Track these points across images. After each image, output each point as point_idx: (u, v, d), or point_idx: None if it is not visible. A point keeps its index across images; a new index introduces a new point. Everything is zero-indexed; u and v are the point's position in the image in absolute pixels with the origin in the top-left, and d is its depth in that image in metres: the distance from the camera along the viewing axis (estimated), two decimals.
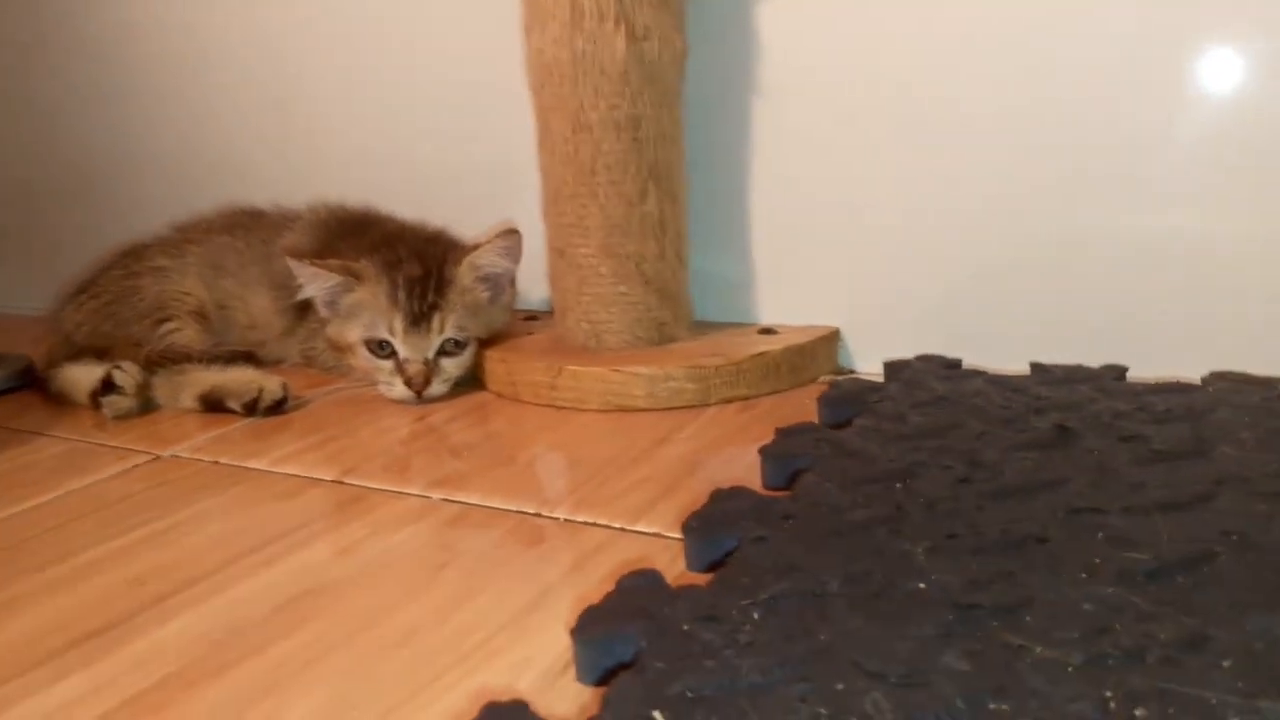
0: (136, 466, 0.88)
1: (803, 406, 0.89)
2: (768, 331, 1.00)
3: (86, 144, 1.45)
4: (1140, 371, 0.84)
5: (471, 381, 1.03)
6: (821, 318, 1.01)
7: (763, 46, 0.97)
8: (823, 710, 0.42)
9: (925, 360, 0.89)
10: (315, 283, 0.99)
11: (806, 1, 0.94)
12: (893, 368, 0.90)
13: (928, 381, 0.83)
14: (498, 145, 1.14)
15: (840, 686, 0.43)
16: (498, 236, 1.00)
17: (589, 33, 0.89)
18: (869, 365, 0.99)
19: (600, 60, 0.89)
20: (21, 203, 1.50)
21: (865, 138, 0.95)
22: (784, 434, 0.75)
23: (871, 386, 0.84)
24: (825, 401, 0.82)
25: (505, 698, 0.47)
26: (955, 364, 0.89)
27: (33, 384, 1.14)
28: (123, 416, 1.00)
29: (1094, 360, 0.86)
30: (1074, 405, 0.75)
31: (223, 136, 1.34)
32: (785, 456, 0.70)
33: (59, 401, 1.07)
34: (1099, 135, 0.86)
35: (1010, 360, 0.89)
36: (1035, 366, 0.86)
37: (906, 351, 0.93)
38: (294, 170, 1.29)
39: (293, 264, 0.98)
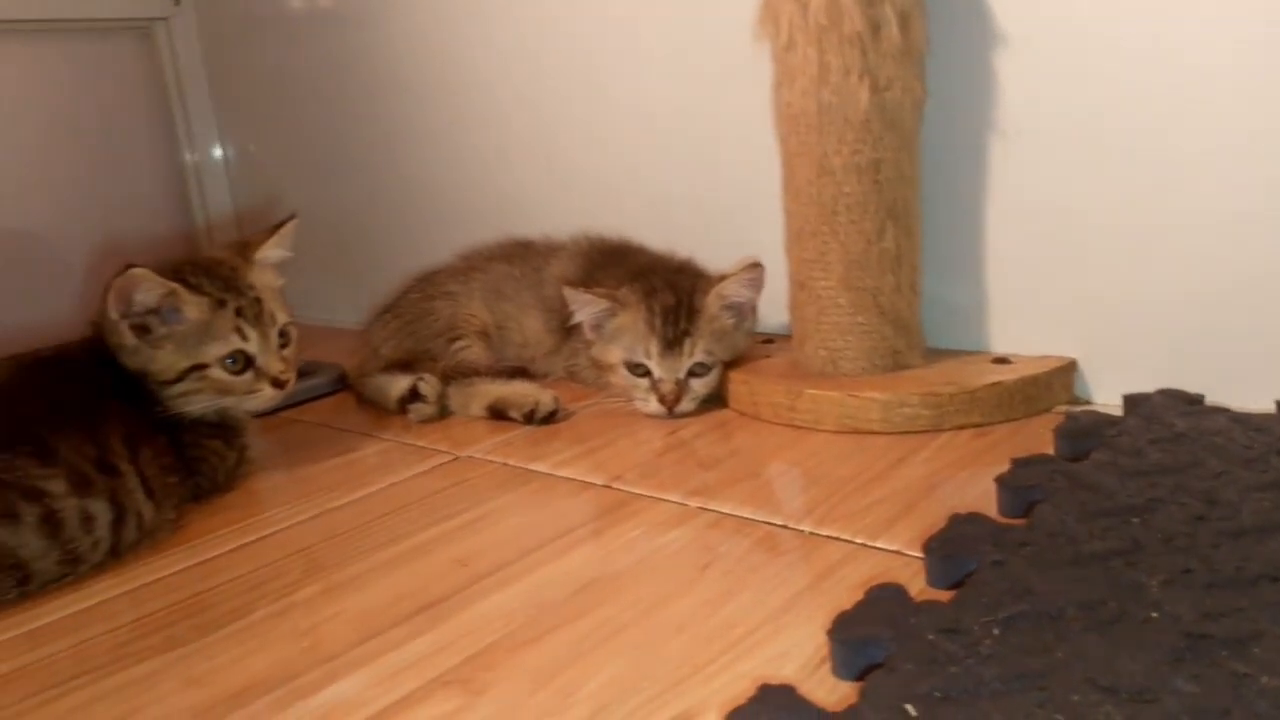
0: (441, 465, 1.04)
1: (1037, 436, 0.93)
2: (1001, 361, 1.04)
3: (391, 178, 1.68)
4: None
5: (716, 400, 1.14)
6: (1057, 348, 1.04)
7: (999, 88, 1.01)
8: (1059, 717, 0.48)
9: (1166, 395, 0.91)
10: (586, 309, 1.12)
11: (1038, 45, 0.98)
12: (1132, 401, 0.92)
13: (1167, 417, 0.85)
14: (740, 184, 1.24)
15: (1075, 698, 0.50)
16: (743, 270, 1.10)
17: (834, 86, 0.97)
18: (1106, 396, 1.01)
19: (844, 110, 0.97)
20: (339, 227, 1.75)
21: (1102, 168, 0.97)
22: (1020, 465, 0.80)
23: (1109, 420, 0.87)
24: (1062, 434, 0.86)
25: (775, 681, 0.56)
26: (1197, 400, 0.90)
27: (344, 388, 1.35)
28: (425, 421, 1.18)
29: None
30: None
31: (501, 173, 1.52)
32: (1022, 487, 0.75)
33: (369, 406, 1.26)
34: None
35: (1257, 397, 0.89)
36: None
37: (1145, 384, 0.95)
38: (557, 203, 1.45)
39: (568, 292, 1.12)
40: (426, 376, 1.19)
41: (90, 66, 1.80)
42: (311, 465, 1.08)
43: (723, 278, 1.12)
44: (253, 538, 0.90)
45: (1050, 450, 0.86)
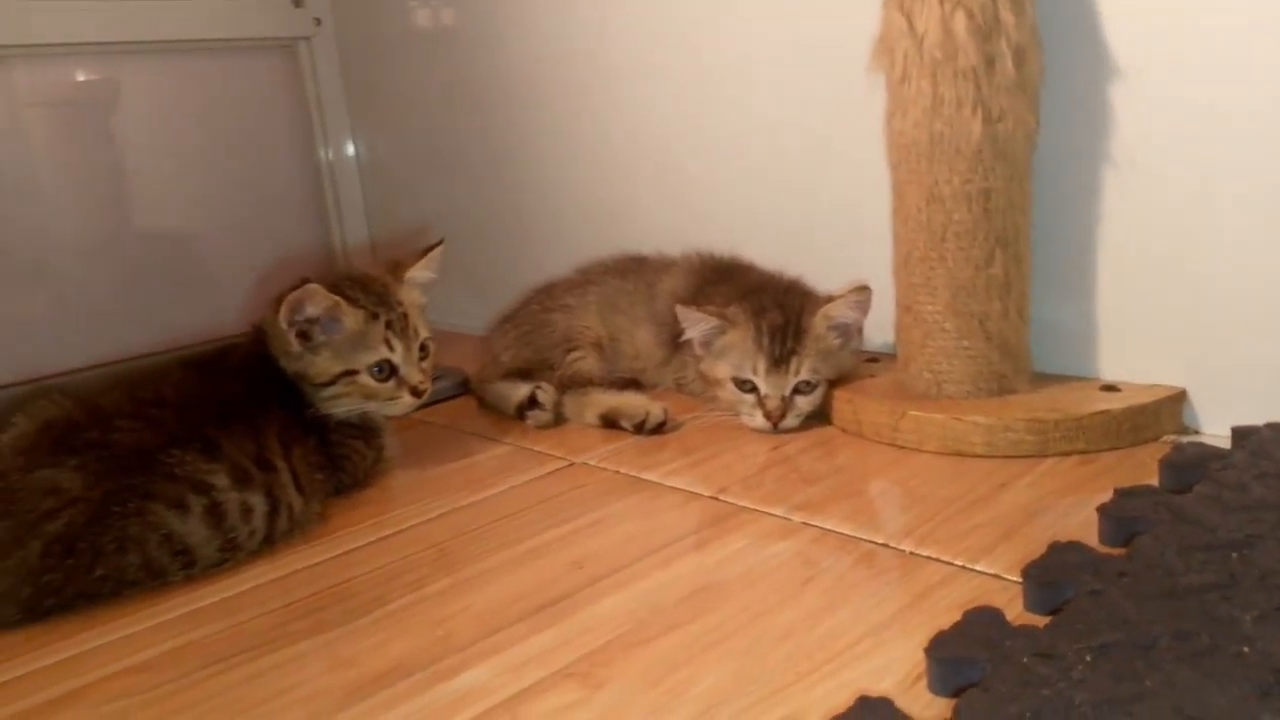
0: (557, 470, 1.11)
1: (1142, 466, 0.94)
2: (1110, 388, 1.05)
3: (512, 190, 1.76)
4: None
5: (820, 417, 1.17)
6: (1166, 377, 1.04)
7: (1114, 120, 1.02)
8: None
9: (1274, 429, 0.91)
10: (697, 326, 1.17)
11: (1154, 79, 0.98)
12: (1240, 434, 0.92)
13: (1275, 452, 0.85)
14: (849, 206, 1.27)
15: None
16: (851, 292, 1.14)
17: (947, 118, 0.99)
18: (1215, 426, 1.01)
19: (956, 141, 1.00)
20: (462, 236, 1.84)
21: (1214, 198, 0.97)
22: (1123, 495, 0.82)
23: (1215, 453, 0.88)
24: (1166, 465, 0.87)
25: (873, 694, 0.60)
26: None
27: (467, 393, 1.43)
28: (542, 427, 1.24)
29: None
30: None
31: (617, 187, 1.58)
32: (1123, 517, 0.77)
33: (490, 410, 1.34)
34: None
35: None
36: None
37: (1256, 416, 0.94)
38: (671, 220, 1.50)
39: (679, 310, 1.17)
40: (544, 385, 1.26)
41: (240, 81, 1.95)
42: (439, 465, 1.16)
43: (830, 299, 1.15)
44: (388, 532, 0.98)
45: (1154, 481, 0.87)
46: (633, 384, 1.30)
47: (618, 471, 1.08)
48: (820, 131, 1.29)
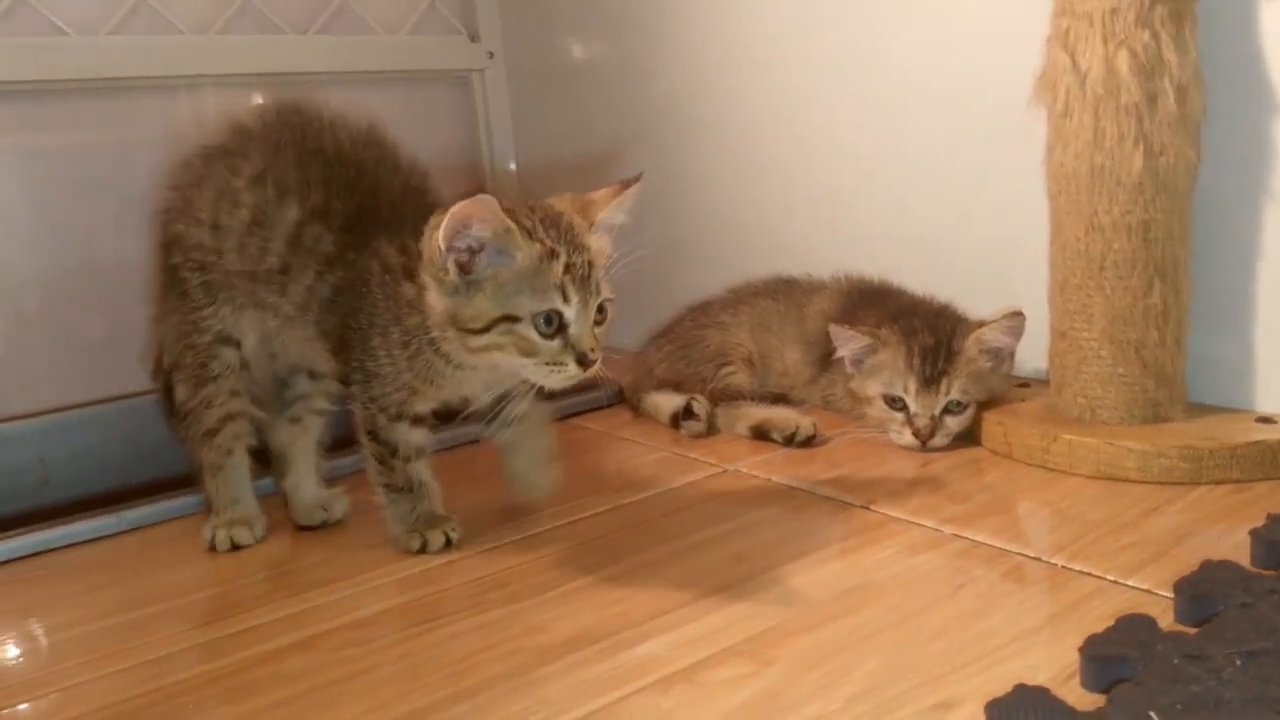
0: (711, 476, 1.18)
1: None
2: (1265, 420, 1.05)
3: (666, 214, 1.85)
4: None
5: (968, 438, 1.21)
6: None
7: (1275, 154, 1.03)
8: None
9: None
10: (849, 345, 1.23)
11: None
12: None
13: None
14: (1005, 234, 1.30)
15: None
16: (1004, 317, 1.17)
17: (1108, 150, 1.03)
18: None
19: (1117, 173, 1.03)
20: (619, 255, 1.95)
21: None
22: (1276, 520, 0.83)
23: None
24: None
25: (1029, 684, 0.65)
26: None
27: (620, 403, 1.52)
28: (695, 436, 1.32)
29: None
30: None
31: (771, 217, 1.65)
32: (1275, 540, 0.79)
33: (643, 419, 1.43)
34: None
35: None
36: None
37: None
38: (825, 244, 1.55)
39: (833, 329, 1.23)
40: (698, 397, 1.34)
41: (417, 107, 2.12)
42: (601, 467, 1.25)
43: (983, 323, 1.19)
44: (562, 522, 1.07)
45: None
46: (781, 399, 1.36)
47: (769, 479, 1.15)
48: (976, 163, 1.33)
